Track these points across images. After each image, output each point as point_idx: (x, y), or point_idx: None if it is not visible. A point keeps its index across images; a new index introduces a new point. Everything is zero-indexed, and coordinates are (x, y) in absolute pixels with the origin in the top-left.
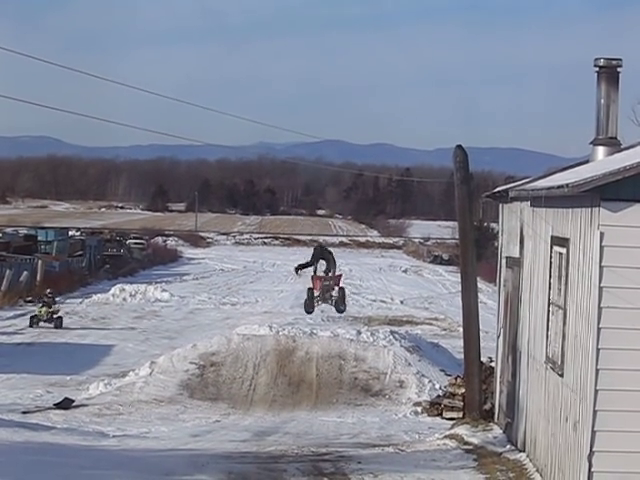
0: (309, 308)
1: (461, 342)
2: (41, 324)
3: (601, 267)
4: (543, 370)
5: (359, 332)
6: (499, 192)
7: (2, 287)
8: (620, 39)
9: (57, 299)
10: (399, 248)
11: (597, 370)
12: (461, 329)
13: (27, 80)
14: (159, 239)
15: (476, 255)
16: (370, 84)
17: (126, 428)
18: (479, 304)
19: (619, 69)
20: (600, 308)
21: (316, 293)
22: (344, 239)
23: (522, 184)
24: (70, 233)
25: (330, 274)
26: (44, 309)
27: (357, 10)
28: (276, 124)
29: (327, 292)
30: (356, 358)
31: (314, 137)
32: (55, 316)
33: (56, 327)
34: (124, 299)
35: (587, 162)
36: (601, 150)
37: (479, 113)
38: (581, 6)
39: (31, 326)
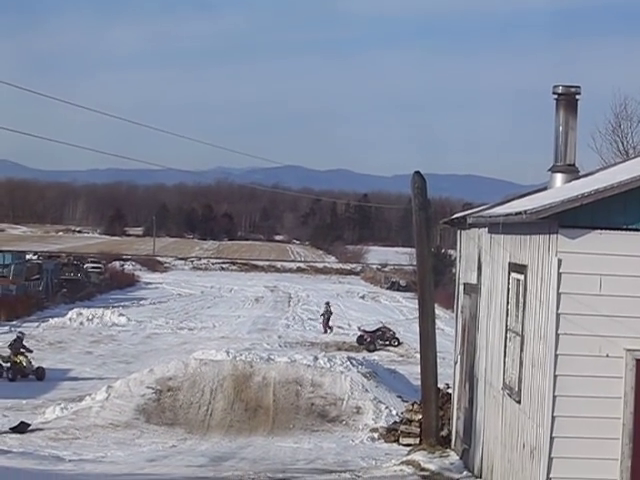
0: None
1: (418, 368)
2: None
3: (559, 293)
4: (500, 397)
5: (316, 358)
6: (457, 218)
7: None
8: (579, 66)
9: (14, 323)
10: (357, 274)
11: (554, 397)
12: (418, 355)
13: None
14: (117, 263)
15: (434, 281)
16: (328, 110)
17: (82, 452)
18: (436, 330)
19: (577, 96)
20: (557, 335)
21: None
22: (302, 265)
23: (480, 210)
24: (27, 257)
25: None
26: (23, 358)
27: (313, 36)
28: (234, 149)
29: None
30: (313, 384)
31: (272, 162)
32: (35, 366)
33: (39, 379)
34: (81, 323)
35: (545, 189)
36: (559, 177)
37: (437, 140)
38: (538, 34)
39: (12, 379)
